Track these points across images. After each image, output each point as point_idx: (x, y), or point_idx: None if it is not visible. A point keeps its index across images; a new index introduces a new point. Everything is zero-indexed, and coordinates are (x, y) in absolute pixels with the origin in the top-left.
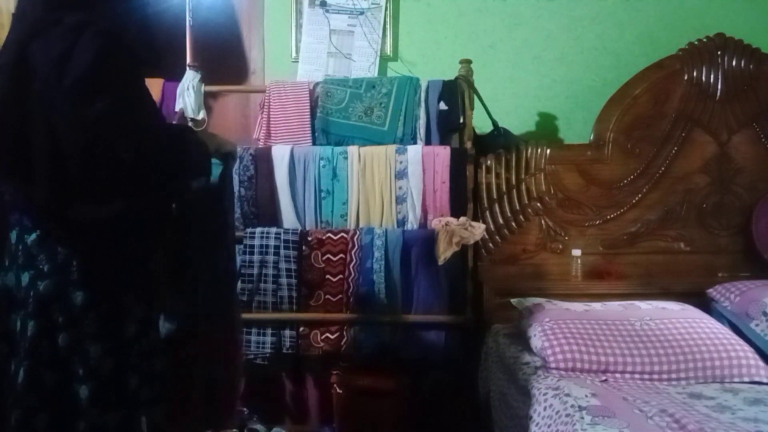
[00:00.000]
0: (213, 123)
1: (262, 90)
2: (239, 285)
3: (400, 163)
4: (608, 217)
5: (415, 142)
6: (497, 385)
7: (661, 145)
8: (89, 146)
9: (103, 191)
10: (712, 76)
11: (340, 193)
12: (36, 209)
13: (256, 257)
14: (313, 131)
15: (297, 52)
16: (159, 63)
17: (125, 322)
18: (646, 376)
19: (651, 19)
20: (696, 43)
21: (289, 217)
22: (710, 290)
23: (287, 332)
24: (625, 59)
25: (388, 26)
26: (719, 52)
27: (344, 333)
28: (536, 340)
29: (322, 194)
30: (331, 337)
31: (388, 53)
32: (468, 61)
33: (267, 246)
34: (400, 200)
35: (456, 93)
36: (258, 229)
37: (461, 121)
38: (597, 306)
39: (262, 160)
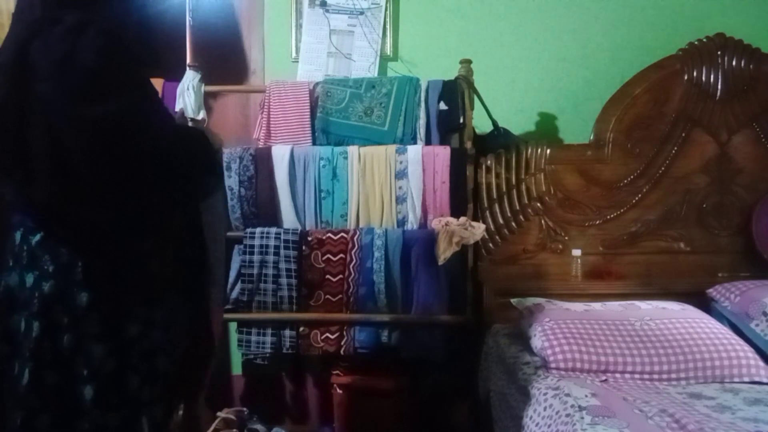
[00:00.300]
0: (213, 123)
1: (262, 90)
2: (239, 285)
3: (400, 163)
4: (608, 217)
5: (415, 142)
6: (497, 385)
7: (661, 145)
8: (93, 146)
9: (107, 192)
10: (712, 76)
11: (340, 193)
12: (37, 210)
13: (256, 257)
14: (313, 131)
15: (297, 52)
16: (158, 63)
17: (128, 323)
18: (646, 376)
19: (651, 19)
20: (696, 43)
21: (289, 217)
22: (710, 290)
23: (287, 332)
24: (625, 59)
25: (388, 26)
26: (719, 52)
27: (344, 333)
28: (536, 340)
29: (322, 194)
30: (331, 337)
31: (388, 53)
32: (468, 61)
33: (267, 246)
34: (400, 200)
35: (456, 93)
36: (258, 229)
37: (461, 121)
38: (597, 306)
39: (262, 160)
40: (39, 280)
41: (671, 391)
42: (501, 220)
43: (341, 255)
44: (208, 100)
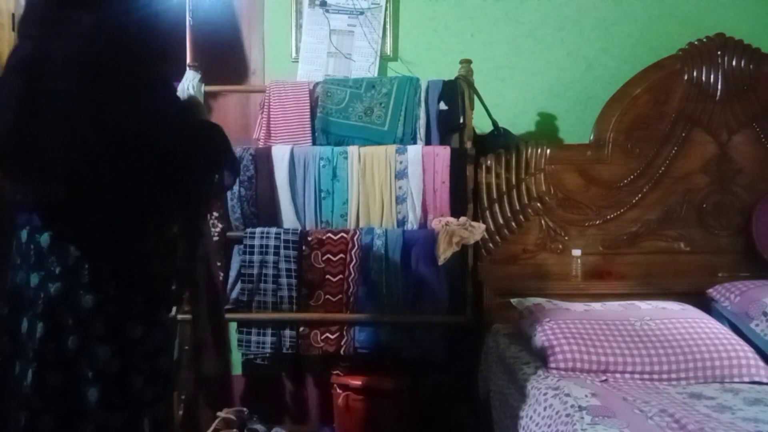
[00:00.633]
0: None
1: (262, 90)
2: (239, 285)
3: (400, 163)
4: (608, 217)
5: (415, 142)
6: (497, 385)
7: (661, 145)
8: (104, 146)
9: (117, 192)
10: (712, 76)
11: (340, 193)
12: (50, 210)
13: (256, 257)
14: (313, 131)
15: (297, 52)
16: (165, 60)
17: (131, 324)
18: (646, 376)
19: (651, 19)
20: (696, 43)
21: (289, 217)
22: (710, 290)
23: (287, 332)
24: (625, 59)
25: (388, 26)
26: (719, 52)
27: (344, 333)
28: (536, 340)
29: (322, 194)
30: (331, 337)
31: (388, 53)
32: (468, 61)
33: (267, 246)
34: (400, 200)
35: (456, 93)
36: (258, 229)
37: (461, 121)
38: (597, 306)
39: (262, 160)
40: (44, 281)
41: (671, 391)
42: (501, 220)
43: (341, 255)
44: (208, 100)
